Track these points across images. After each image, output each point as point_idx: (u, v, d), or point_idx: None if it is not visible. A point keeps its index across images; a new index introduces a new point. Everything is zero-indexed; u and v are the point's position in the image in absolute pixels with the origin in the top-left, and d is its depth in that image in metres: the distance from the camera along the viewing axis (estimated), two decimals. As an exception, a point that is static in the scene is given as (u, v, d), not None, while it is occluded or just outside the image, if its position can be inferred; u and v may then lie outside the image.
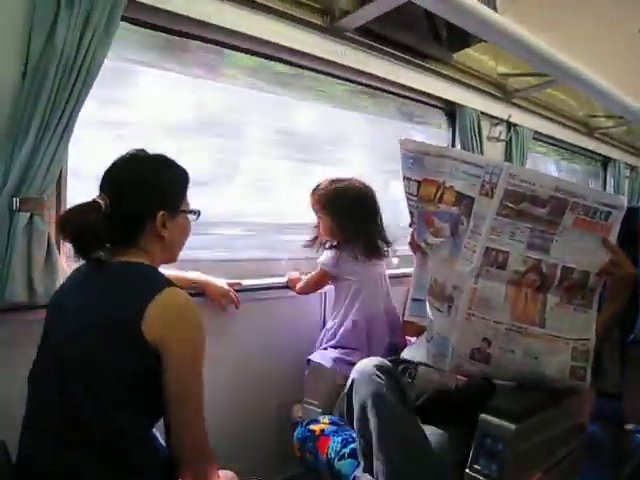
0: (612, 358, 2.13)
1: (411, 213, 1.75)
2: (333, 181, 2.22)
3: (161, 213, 1.28)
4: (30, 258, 1.61)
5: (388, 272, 2.38)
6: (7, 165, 1.54)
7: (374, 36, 2.54)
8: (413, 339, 2.26)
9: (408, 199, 1.72)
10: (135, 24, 1.93)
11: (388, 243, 2.29)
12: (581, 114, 4.37)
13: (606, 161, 5.24)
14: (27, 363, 1.26)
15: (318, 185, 2.23)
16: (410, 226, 1.80)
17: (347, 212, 2.17)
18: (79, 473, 1.12)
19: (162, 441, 1.28)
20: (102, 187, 1.28)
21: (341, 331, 2.18)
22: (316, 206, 2.23)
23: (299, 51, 2.30)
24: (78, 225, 1.21)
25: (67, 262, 1.74)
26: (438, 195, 1.63)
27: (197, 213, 1.42)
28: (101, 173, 1.30)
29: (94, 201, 1.23)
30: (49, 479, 1.15)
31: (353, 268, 2.20)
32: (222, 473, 1.33)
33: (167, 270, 1.70)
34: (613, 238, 1.51)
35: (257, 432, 2.21)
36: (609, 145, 4.98)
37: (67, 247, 1.76)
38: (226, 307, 2.04)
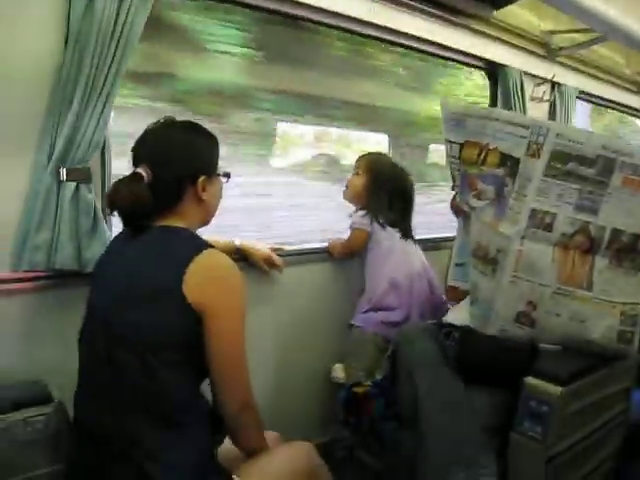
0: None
1: (453, 176, 1.73)
2: (384, 154, 2.35)
3: (202, 177, 1.31)
4: (78, 227, 1.64)
5: (428, 236, 2.38)
6: (53, 136, 1.56)
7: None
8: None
9: (450, 162, 1.69)
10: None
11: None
12: (629, 71, 4.18)
13: (658, 120, 5.04)
14: (78, 328, 1.30)
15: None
16: (452, 189, 1.78)
17: (389, 183, 2.23)
18: (130, 433, 1.16)
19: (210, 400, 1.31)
20: (140, 156, 1.30)
21: (379, 291, 2.19)
22: (362, 164, 2.29)
23: (328, 10, 2.22)
24: (125, 197, 1.23)
25: (113, 230, 1.77)
26: (481, 157, 1.60)
27: (228, 175, 1.45)
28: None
29: (137, 173, 1.25)
30: (103, 440, 1.19)
31: (384, 228, 2.23)
32: (267, 434, 1.36)
33: (209, 235, 1.73)
34: None
35: (301, 394, 2.25)
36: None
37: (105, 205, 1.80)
38: (269, 271, 2.05)
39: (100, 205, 1.69)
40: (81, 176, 1.62)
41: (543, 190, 1.50)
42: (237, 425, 1.26)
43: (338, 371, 2.20)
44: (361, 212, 2.25)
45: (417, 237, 2.36)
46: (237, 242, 1.99)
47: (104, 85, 1.59)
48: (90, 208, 1.66)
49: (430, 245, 2.40)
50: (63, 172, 1.58)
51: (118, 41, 1.58)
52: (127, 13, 1.59)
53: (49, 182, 1.57)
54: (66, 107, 1.55)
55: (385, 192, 2.23)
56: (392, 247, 2.23)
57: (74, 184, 1.61)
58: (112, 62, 1.59)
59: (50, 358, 1.54)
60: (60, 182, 1.59)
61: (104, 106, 1.61)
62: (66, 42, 1.55)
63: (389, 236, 2.23)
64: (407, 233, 2.29)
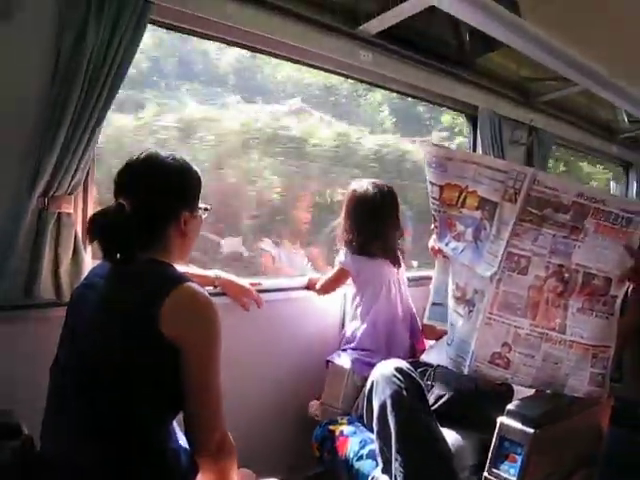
0: (632, 364, 2.12)
1: (433, 217, 1.76)
2: (356, 184, 2.30)
3: (184, 213, 1.32)
4: (57, 256, 1.64)
5: (408, 275, 2.39)
6: (37, 167, 1.57)
7: (397, 40, 2.54)
8: (432, 342, 2.26)
9: (431, 203, 1.72)
10: (160, 27, 1.96)
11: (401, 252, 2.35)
12: (604, 118, 4.32)
13: (628, 166, 5.17)
14: (50, 358, 1.29)
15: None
16: (432, 230, 1.81)
17: (360, 213, 2.23)
18: (97, 467, 1.14)
19: (183, 439, 1.30)
20: (123, 190, 1.30)
21: (360, 332, 2.19)
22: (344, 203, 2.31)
23: (321, 54, 2.32)
24: (105, 227, 1.24)
25: (93, 261, 1.76)
26: (461, 200, 1.64)
27: (208, 210, 1.45)
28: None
29: (119, 204, 1.26)
30: (70, 472, 1.16)
31: (371, 268, 2.22)
32: (240, 472, 1.34)
33: (189, 269, 1.73)
34: (635, 244, 1.50)
35: (276, 432, 2.22)
36: (632, 150, 4.91)
37: (93, 246, 1.79)
38: (248, 306, 2.05)
39: (81, 235, 1.69)
40: (63, 205, 1.63)
41: (519, 234, 1.53)
42: (213, 461, 1.23)
43: (314, 407, 2.19)
44: (342, 251, 2.27)
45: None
46: (217, 275, 1.99)
47: (90, 118, 1.61)
48: (71, 238, 1.66)
49: (411, 283, 2.41)
50: (46, 201, 1.59)
51: (106, 76, 1.61)
52: (118, 47, 1.62)
53: (30, 211, 1.58)
54: (52, 139, 1.56)
55: (355, 220, 2.24)
56: (376, 291, 2.22)
57: (55, 213, 1.61)
58: (100, 96, 1.61)
59: (22, 389, 1.51)
60: (42, 211, 1.59)
61: (90, 139, 1.63)
62: (54, 76, 1.57)
63: (374, 275, 2.22)
64: (391, 256, 2.27)
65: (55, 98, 1.57)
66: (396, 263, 2.30)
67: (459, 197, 1.65)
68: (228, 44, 2.19)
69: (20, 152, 1.58)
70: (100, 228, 1.24)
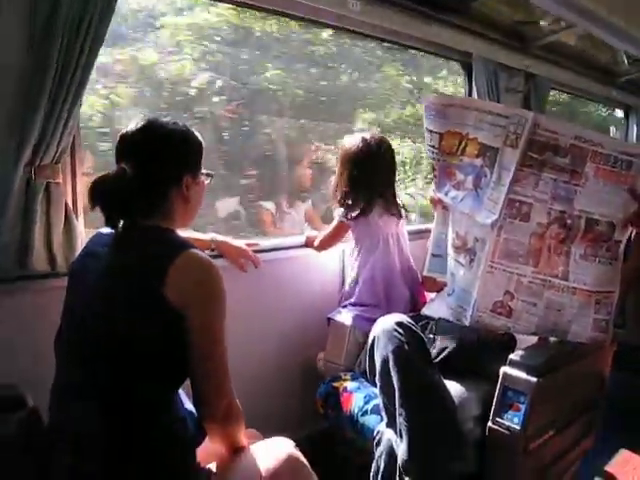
0: (635, 309, 2.12)
1: (432, 166, 1.73)
2: (352, 137, 2.26)
3: (186, 177, 1.31)
4: (49, 226, 1.62)
5: (408, 228, 2.37)
6: (21, 136, 1.53)
7: (386, -14, 2.45)
8: (432, 295, 2.26)
9: (430, 152, 1.69)
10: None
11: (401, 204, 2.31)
12: (603, 61, 4.23)
13: (628, 109, 5.11)
14: (51, 330, 1.28)
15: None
16: (431, 180, 1.78)
17: (354, 166, 2.19)
18: (103, 436, 1.15)
19: (189, 403, 1.30)
20: (124, 155, 1.28)
21: (358, 287, 2.19)
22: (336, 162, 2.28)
23: (308, 4, 2.22)
24: (106, 193, 1.22)
25: (86, 230, 1.74)
26: (461, 147, 1.61)
27: (212, 175, 1.44)
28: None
29: (120, 168, 1.24)
30: (76, 443, 1.17)
31: (367, 221, 2.19)
32: (246, 432, 1.36)
33: (184, 232, 1.71)
34: (638, 187, 1.47)
35: (280, 390, 2.24)
36: (632, 93, 4.83)
37: (86, 216, 1.77)
38: (246, 267, 2.04)
39: (71, 204, 1.66)
40: (51, 174, 1.60)
41: (520, 180, 1.50)
42: (221, 426, 1.25)
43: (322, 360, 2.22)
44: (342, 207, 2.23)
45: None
46: (212, 238, 1.97)
47: (71, 83, 1.56)
48: (61, 207, 1.64)
49: (411, 236, 2.39)
50: (33, 170, 1.56)
51: (84, 40, 1.55)
52: (93, 12, 1.56)
53: (18, 181, 1.54)
54: (34, 107, 1.52)
55: (346, 175, 2.20)
56: (373, 245, 2.21)
57: (44, 183, 1.58)
58: (79, 61, 1.56)
59: (25, 362, 1.51)
60: (29, 181, 1.56)
61: (73, 105, 1.58)
62: (31, 42, 1.52)
63: (371, 229, 2.21)
64: (391, 209, 2.25)
65: (33, 65, 1.52)
66: (396, 215, 2.27)
67: (459, 145, 1.62)
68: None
69: (2, 122, 1.53)
70: (101, 194, 1.22)
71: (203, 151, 1.38)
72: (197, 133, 1.37)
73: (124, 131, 1.30)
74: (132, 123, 1.30)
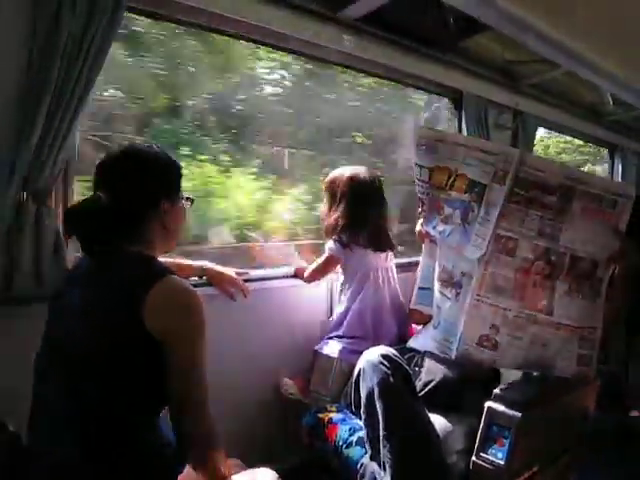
0: (618, 345, 2.14)
1: (420, 200, 1.75)
2: (342, 170, 2.27)
3: (163, 202, 1.30)
4: (38, 250, 1.61)
5: (396, 260, 2.38)
6: (14, 159, 1.53)
7: (380, 24, 2.51)
8: (419, 327, 2.26)
9: (418, 186, 1.72)
10: (138, 14, 1.93)
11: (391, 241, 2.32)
12: (589, 101, 4.32)
13: (613, 149, 5.19)
14: (34, 354, 1.27)
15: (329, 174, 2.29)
16: (419, 214, 1.80)
17: (343, 197, 2.19)
18: (81, 461, 1.13)
19: (169, 429, 1.29)
20: (101, 183, 1.28)
21: (347, 320, 2.18)
22: (325, 192, 2.28)
23: (304, 40, 2.28)
24: (82, 220, 1.22)
25: (74, 254, 1.74)
26: (450, 182, 1.64)
27: (192, 200, 1.44)
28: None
29: (97, 195, 1.24)
30: (54, 466, 1.15)
31: (359, 255, 2.20)
32: (229, 463, 1.33)
33: (175, 259, 1.71)
34: (622, 226, 1.50)
35: (264, 420, 2.22)
36: (617, 132, 4.93)
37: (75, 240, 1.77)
38: (235, 296, 2.04)
39: (61, 229, 1.67)
40: (43, 199, 1.60)
41: (507, 216, 1.53)
42: (201, 453, 1.22)
43: (289, 386, 2.20)
44: (333, 238, 2.23)
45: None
46: (203, 265, 1.97)
47: (68, 108, 1.57)
48: (51, 231, 1.63)
49: (399, 268, 2.40)
50: (24, 194, 1.56)
51: (83, 64, 1.57)
52: (95, 32, 1.58)
53: (9, 205, 1.54)
54: (29, 130, 1.53)
55: (338, 209, 2.20)
56: (364, 278, 2.21)
57: (35, 206, 1.58)
58: (77, 85, 1.57)
59: (4, 386, 1.49)
60: (20, 205, 1.56)
61: (68, 130, 1.59)
62: (29, 64, 1.54)
63: (362, 263, 2.21)
64: (380, 245, 2.25)
65: (30, 88, 1.53)
66: (386, 250, 2.29)
67: (448, 179, 1.65)
68: (206, 30, 2.16)
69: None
70: (75, 220, 1.23)
71: (181, 175, 1.39)
72: (175, 158, 1.38)
73: (104, 156, 1.31)
74: (113, 149, 1.32)
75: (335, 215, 2.21)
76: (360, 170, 2.26)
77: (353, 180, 2.21)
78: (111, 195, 1.23)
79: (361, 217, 2.20)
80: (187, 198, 1.42)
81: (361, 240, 2.20)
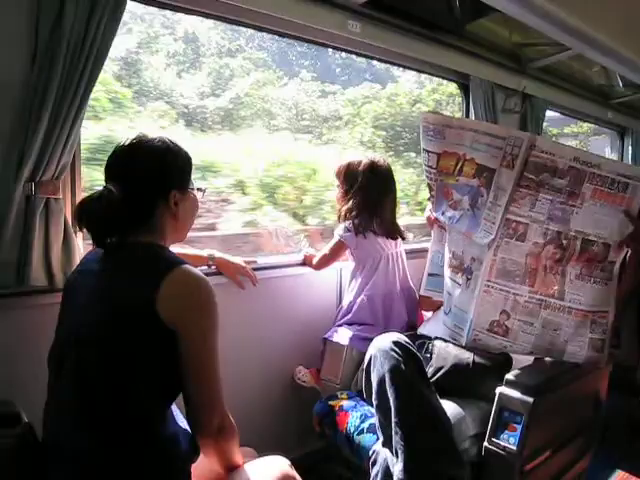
0: (631, 330, 2.13)
1: (429, 186, 1.74)
2: (354, 157, 2.28)
3: (173, 193, 1.30)
4: (48, 242, 1.62)
5: (405, 246, 2.38)
6: (22, 151, 1.54)
7: (385, 9, 2.49)
8: (429, 314, 2.26)
9: (427, 172, 1.71)
10: (140, 2, 1.91)
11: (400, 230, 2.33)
12: (598, 83, 4.27)
13: (623, 131, 5.15)
14: (48, 345, 1.27)
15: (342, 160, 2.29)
16: (428, 200, 1.80)
17: (360, 184, 2.20)
18: (96, 452, 1.14)
19: (182, 419, 1.30)
20: (112, 175, 1.29)
21: (357, 306, 2.18)
22: (337, 179, 2.28)
23: (309, 26, 2.27)
24: (94, 213, 1.22)
25: (84, 245, 1.75)
26: (458, 167, 1.63)
27: (203, 191, 1.45)
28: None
29: (107, 188, 1.24)
30: (69, 458, 1.16)
31: (369, 241, 2.20)
32: (242, 450, 1.35)
33: (182, 249, 1.72)
34: (635, 209, 1.49)
35: (276, 408, 2.23)
36: (627, 115, 4.87)
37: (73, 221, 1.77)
38: (244, 285, 2.04)
39: (70, 220, 1.67)
40: (51, 190, 1.60)
41: (517, 200, 1.52)
42: (215, 442, 1.24)
43: (303, 374, 2.22)
44: (347, 222, 2.22)
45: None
46: (211, 255, 1.98)
47: (73, 101, 1.57)
48: (60, 223, 1.64)
49: (408, 255, 2.40)
50: (32, 186, 1.56)
51: (87, 57, 1.57)
52: (96, 28, 1.57)
53: (18, 197, 1.55)
54: (35, 123, 1.53)
55: (356, 195, 2.21)
56: (374, 264, 2.21)
57: (44, 198, 1.58)
58: (81, 78, 1.57)
59: (19, 378, 1.50)
60: (29, 197, 1.57)
61: (74, 122, 1.59)
62: (34, 59, 1.53)
63: (373, 249, 2.21)
64: (391, 233, 2.26)
65: (36, 81, 1.53)
66: (397, 237, 2.29)
67: (456, 165, 1.64)
68: (212, 18, 2.14)
69: (4, 138, 1.54)
70: (88, 215, 1.23)
71: (192, 165, 1.39)
72: (185, 148, 1.37)
73: (114, 148, 1.31)
74: (122, 140, 1.31)
75: (353, 201, 2.21)
76: (379, 158, 2.27)
77: (374, 168, 2.22)
78: (122, 187, 1.24)
79: (379, 204, 2.22)
80: (198, 189, 1.42)
81: (375, 227, 2.21)
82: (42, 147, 1.55)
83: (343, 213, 2.23)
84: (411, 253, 2.45)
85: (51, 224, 1.62)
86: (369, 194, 2.20)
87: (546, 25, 2.62)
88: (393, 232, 2.27)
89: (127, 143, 1.30)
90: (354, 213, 2.19)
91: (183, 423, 1.30)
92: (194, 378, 1.19)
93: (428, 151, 1.68)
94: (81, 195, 1.78)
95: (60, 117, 1.56)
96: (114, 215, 1.22)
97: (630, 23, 2.87)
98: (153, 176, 1.29)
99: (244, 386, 2.05)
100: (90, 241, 1.29)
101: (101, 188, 1.26)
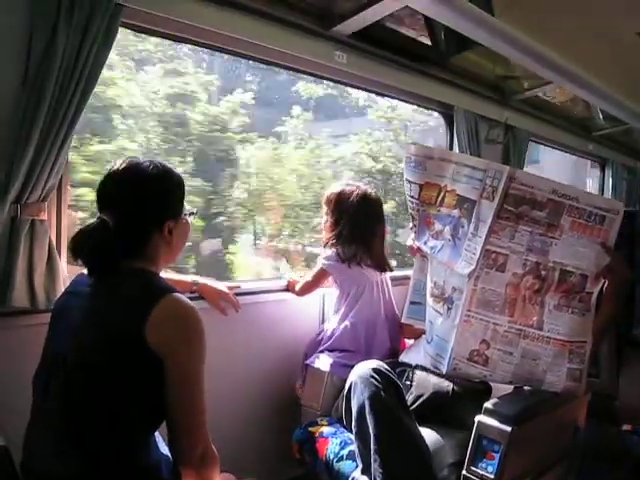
0: (608, 359, 2.14)
1: (412, 216, 1.76)
2: (343, 185, 2.30)
3: (167, 222, 1.31)
4: (32, 263, 1.62)
5: (390, 274, 2.40)
6: (9, 173, 1.54)
7: (371, 41, 2.55)
8: (411, 341, 2.27)
9: (410, 202, 1.73)
10: (133, 30, 1.95)
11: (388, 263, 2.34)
12: (579, 116, 4.36)
13: (604, 162, 5.24)
14: (29, 367, 1.27)
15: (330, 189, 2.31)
16: (411, 229, 1.82)
17: (347, 214, 2.21)
18: (81, 478, 1.13)
19: (164, 446, 1.29)
20: (105, 204, 1.28)
21: (339, 333, 2.18)
22: (325, 205, 2.30)
23: (297, 56, 2.31)
24: (90, 246, 1.23)
25: (68, 267, 1.74)
26: (440, 198, 1.65)
27: (195, 214, 1.45)
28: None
29: (103, 221, 1.24)
30: None
31: (353, 270, 2.21)
32: (222, 476, 1.34)
33: (166, 274, 1.72)
34: (611, 241, 1.52)
35: (256, 434, 2.22)
36: (607, 147, 4.97)
37: (68, 252, 1.77)
38: (226, 311, 2.04)
39: (55, 241, 1.67)
40: (37, 212, 1.61)
41: (497, 231, 1.54)
42: (196, 471, 1.23)
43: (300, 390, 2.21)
44: (331, 251, 2.23)
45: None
46: (194, 280, 1.98)
47: (62, 123, 1.58)
48: (45, 244, 1.64)
49: (392, 282, 2.41)
50: (18, 208, 1.56)
51: (78, 81, 1.59)
52: (88, 52, 1.59)
53: (3, 218, 1.55)
54: (23, 145, 1.53)
55: (346, 224, 2.21)
56: (359, 292, 2.22)
57: (29, 220, 1.58)
58: (71, 101, 1.59)
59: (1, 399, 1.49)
60: (14, 218, 1.57)
61: (63, 144, 1.60)
62: (24, 81, 1.55)
63: (357, 278, 2.22)
64: (380, 265, 2.28)
65: (26, 103, 1.54)
66: (385, 270, 2.31)
67: (438, 195, 1.66)
68: (199, 46, 2.18)
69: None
70: (83, 248, 1.23)
71: (184, 190, 1.39)
72: (177, 172, 1.37)
73: (106, 174, 1.30)
74: (115, 165, 1.30)
75: (342, 229, 2.22)
76: (368, 188, 2.30)
77: (366, 198, 2.24)
78: (116, 218, 1.24)
79: (369, 234, 2.24)
80: (191, 213, 1.42)
81: (363, 257, 2.21)
82: (30, 169, 1.56)
83: (331, 241, 2.23)
84: (394, 280, 2.47)
85: (35, 245, 1.62)
86: (360, 223, 2.22)
87: (527, 60, 2.69)
88: (382, 264, 2.28)
89: (120, 169, 1.28)
90: (342, 242, 2.20)
91: (165, 450, 1.29)
92: (178, 406, 1.19)
93: (410, 181, 1.71)
94: (67, 216, 1.79)
95: (49, 139, 1.57)
96: (110, 249, 1.22)
97: (610, 58, 2.95)
98: (148, 208, 1.29)
99: (225, 411, 2.03)
100: (74, 264, 1.29)
101: (95, 220, 1.25)
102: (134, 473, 1.18)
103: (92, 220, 1.27)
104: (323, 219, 2.32)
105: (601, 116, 4.30)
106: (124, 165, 1.29)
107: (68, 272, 1.72)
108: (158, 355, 1.15)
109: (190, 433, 1.20)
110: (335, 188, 2.29)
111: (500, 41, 2.49)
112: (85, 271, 1.30)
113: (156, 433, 1.30)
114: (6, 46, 1.55)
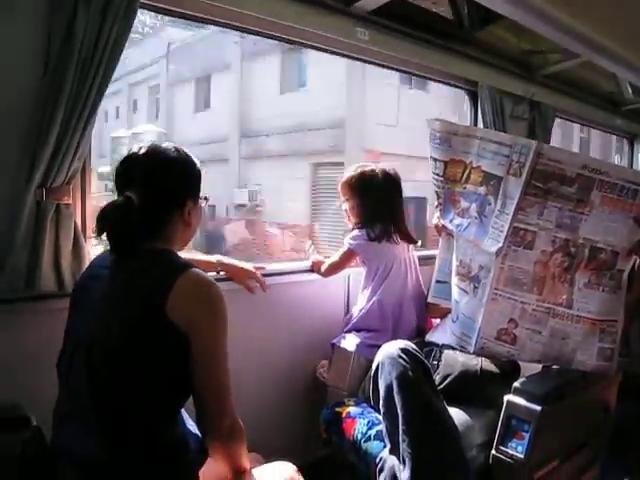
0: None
1: (437, 194, 1.74)
2: (361, 166, 2.28)
3: (188, 203, 1.34)
4: (58, 247, 1.63)
5: (417, 253, 2.38)
6: (33, 158, 1.55)
7: (393, 17, 2.49)
8: (438, 321, 2.25)
9: (434, 179, 1.71)
10: (152, 10, 1.94)
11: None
12: (607, 90, 4.25)
13: (633, 137, 5.11)
14: (58, 349, 1.29)
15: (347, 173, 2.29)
16: (436, 207, 1.80)
17: (374, 193, 2.20)
18: (105, 455, 1.15)
19: (191, 422, 1.30)
20: (127, 183, 1.29)
21: (366, 312, 2.18)
22: (344, 190, 2.27)
23: (318, 33, 2.28)
24: (116, 222, 1.24)
25: (94, 250, 1.76)
26: (465, 175, 1.63)
27: (207, 199, 1.47)
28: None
29: (127, 197, 1.25)
30: (78, 461, 1.17)
31: (380, 248, 2.20)
32: (249, 456, 1.35)
33: (190, 254, 1.73)
34: None
35: (283, 414, 2.23)
36: (636, 122, 4.84)
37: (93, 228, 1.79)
38: (254, 290, 2.04)
39: (80, 225, 1.68)
40: (61, 196, 1.61)
41: (524, 208, 1.51)
42: (224, 444, 1.25)
43: (325, 369, 2.21)
44: (357, 231, 2.23)
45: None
46: (219, 260, 1.98)
47: (84, 107, 1.58)
48: (70, 228, 1.65)
49: (419, 261, 2.39)
50: (43, 192, 1.57)
51: (99, 64, 1.58)
52: (108, 36, 1.58)
53: (29, 202, 1.56)
54: (46, 131, 1.54)
55: (375, 204, 2.21)
56: (386, 270, 2.20)
57: (54, 204, 1.59)
58: (92, 84, 1.58)
59: (28, 381, 1.51)
60: (39, 202, 1.58)
61: (85, 128, 1.60)
62: (45, 65, 1.55)
63: (385, 255, 2.21)
64: (409, 237, 2.28)
65: (47, 88, 1.54)
66: (409, 240, 2.29)
67: (463, 173, 1.64)
68: (219, 26, 2.15)
69: (15, 144, 1.56)
70: (109, 224, 1.25)
71: (201, 176, 1.41)
72: (196, 159, 1.40)
73: (127, 155, 1.33)
74: (134, 147, 1.33)
75: (370, 208, 2.22)
76: (383, 167, 2.29)
77: (388, 174, 2.24)
78: (141, 196, 1.25)
79: (395, 209, 2.24)
80: (204, 197, 1.44)
81: (391, 233, 2.21)
82: (53, 154, 1.56)
83: (362, 222, 2.23)
84: (420, 260, 2.45)
85: (61, 229, 1.63)
86: (389, 200, 2.23)
87: (554, 32, 2.61)
88: (410, 237, 2.28)
89: (142, 152, 1.31)
90: (373, 221, 2.20)
91: (192, 427, 1.31)
92: (204, 382, 1.20)
93: (435, 159, 1.69)
94: (91, 201, 1.80)
95: (71, 123, 1.57)
96: (134, 226, 1.23)
97: (637, 31, 2.87)
98: (172, 188, 1.32)
99: (251, 391, 2.04)
100: (99, 247, 1.30)
101: (120, 197, 1.26)
102: (161, 449, 1.19)
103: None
104: (344, 205, 2.29)
105: (630, 90, 4.19)
106: (148, 147, 1.32)
107: (94, 256, 1.73)
108: (181, 330, 1.16)
109: (216, 407, 1.22)
110: (351, 172, 2.27)
111: (525, 13, 2.42)
112: (103, 252, 1.32)
113: (182, 410, 1.31)
114: (26, 31, 1.55)
